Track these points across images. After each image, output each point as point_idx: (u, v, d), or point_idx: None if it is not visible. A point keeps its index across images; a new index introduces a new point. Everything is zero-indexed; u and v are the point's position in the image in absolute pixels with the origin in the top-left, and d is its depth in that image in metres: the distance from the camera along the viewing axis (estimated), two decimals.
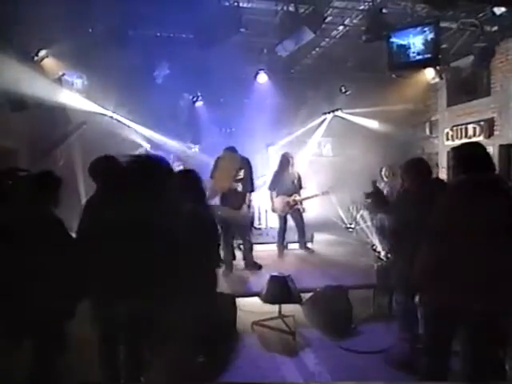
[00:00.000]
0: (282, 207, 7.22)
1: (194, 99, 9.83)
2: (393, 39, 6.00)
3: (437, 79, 7.87)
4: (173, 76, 8.10)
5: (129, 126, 9.27)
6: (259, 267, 6.34)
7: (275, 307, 4.80)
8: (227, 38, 6.23)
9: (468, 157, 2.74)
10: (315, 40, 8.26)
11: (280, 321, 4.74)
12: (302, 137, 9.77)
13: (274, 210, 7.41)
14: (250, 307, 5.11)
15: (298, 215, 7.32)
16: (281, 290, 4.68)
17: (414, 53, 5.84)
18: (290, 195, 7.20)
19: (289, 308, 4.88)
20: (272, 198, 7.25)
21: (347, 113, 9.57)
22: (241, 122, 8.72)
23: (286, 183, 7.16)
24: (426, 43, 5.73)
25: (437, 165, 9.11)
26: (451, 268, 2.54)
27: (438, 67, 7.56)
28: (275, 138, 9.44)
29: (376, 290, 5.20)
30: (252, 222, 8.01)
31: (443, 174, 8.88)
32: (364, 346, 4.20)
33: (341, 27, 7.65)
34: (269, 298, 4.74)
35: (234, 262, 6.43)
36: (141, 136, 9.53)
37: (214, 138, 9.21)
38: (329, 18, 7.41)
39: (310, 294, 5.03)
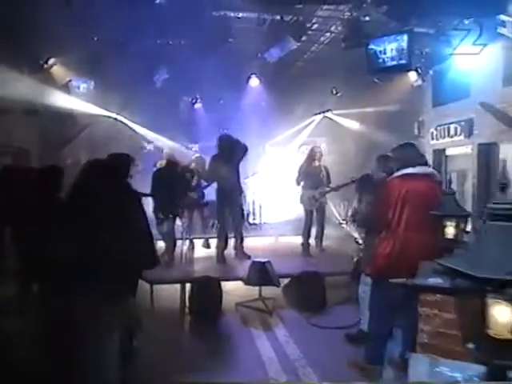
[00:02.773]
0: (309, 201, 7.21)
1: (193, 101, 10.49)
2: (371, 46, 6.54)
3: (419, 82, 8.36)
4: (172, 80, 8.75)
5: (131, 128, 9.94)
6: (248, 257, 6.92)
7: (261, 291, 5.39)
8: (218, 45, 6.86)
9: (405, 155, 3.27)
10: (305, 45, 8.89)
11: (261, 302, 5.35)
12: (293, 136, 10.32)
13: (302, 204, 7.37)
14: (237, 291, 5.70)
15: (322, 211, 7.31)
16: (260, 273, 5.28)
17: (389, 59, 6.38)
18: (317, 189, 7.13)
19: (270, 291, 5.49)
20: (300, 192, 7.28)
21: (338, 114, 10.10)
22: (236, 123, 9.30)
23: (313, 177, 7.16)
24: (400, 50, 6.27)
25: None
26: (395, 254, 3.04)
27: (419, 70, 8.05)
28: (269, 137, 10.01)
29: (351, 276, 5.77)
30: (244, 217, 8.53)
31: None
32: (331, 323, 4.77)
33: (328, 34, 8.23)
34: (250, 281, 5.35)
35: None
36: (143, 136, 10.19)
37: (211, 138, 9.85)
38: (315, 26, 8.02)
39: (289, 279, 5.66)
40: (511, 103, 6.96)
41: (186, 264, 6.56)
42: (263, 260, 5.41)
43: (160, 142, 9.91)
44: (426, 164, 3.33)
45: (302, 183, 7.26)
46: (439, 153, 9.49)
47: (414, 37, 6.53)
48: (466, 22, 6.17)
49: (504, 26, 5.76)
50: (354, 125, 10.02)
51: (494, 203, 0.97)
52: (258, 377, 3.62)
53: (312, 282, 5.48)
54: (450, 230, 2.58)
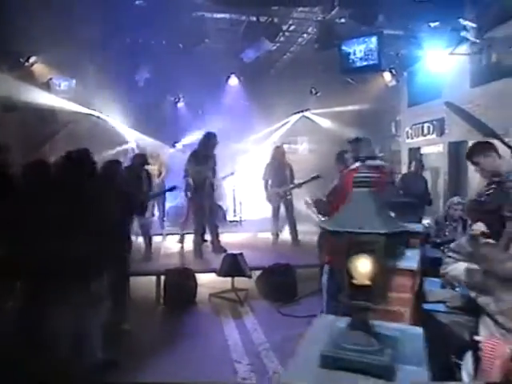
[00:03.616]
0: (274, 198, 7.56)
1: (176, 100, 10.64)
2: (342, 47, 6.77)
3: (394, 82, 8.64)
4: (153, 79, 8.90)
5: (114, 126, 10.05)
6: (224, 251, 7.11)
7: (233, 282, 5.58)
8: (197, 45, 7.03)
9: (358, 149, 3.50)
10: (284, 46, 9.11)
11: (233, 293, 5.53)
12: (273, 134, 10.53)
13: (268, 200, 7.73)
14: (213, 283, 5.88)
15: (290, 207, 7.56)
16: (232, 265, 5.48)
17: (359, 59, 6.62)
18: (282, 186, 7.46)
19: (245, 283, 5.68)
20: (266, 188, 7.62)
21: (317, 113, 10.34)
22: (217, 121, 9.47)
23: (278, 175, 7.51)
24: (369, 51, 6.51)
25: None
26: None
27: (393, 71, 8.33)
28: (249, 136, 10.20)
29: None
30: (221, 212, 8.71)
31: (405, 170, 9.67)
32: (299, 312, 4.97)
33: (305, 35, 8.45)
34: (222, 273, 5.54)
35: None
36: (126, 134, 10.31)
37: (193, 136, 10.02)
38: (292, 27, 8.24)
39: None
40: (477, 103, 7.27)
41: (163, 257, 6.74)
42: (235, 252, 5.60)
43: (142, 141, 10.03)
44: (375, 157, 3.53)
45: (269, 181, 7.57)
46: (414, 151, 9.80)
47: (384, 39, 6.79)
48: (432, 25, 6.44)
49: (467, 30, 6.03)
50: (332, 124, 10.26)
51: (356, 175, 1.18)
52: (220, 359, 3.81)
53: (283, 273, 5.69)
54: None
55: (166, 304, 5.38)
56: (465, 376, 2.28)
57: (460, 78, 7.80)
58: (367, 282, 1.15)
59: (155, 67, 8.62)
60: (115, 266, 3.88)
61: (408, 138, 9.69)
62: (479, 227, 2.56)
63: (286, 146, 10.00)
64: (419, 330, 1.42)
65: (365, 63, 6.55)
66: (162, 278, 5.52)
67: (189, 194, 6.93)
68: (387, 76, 8.56)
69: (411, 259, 2.70)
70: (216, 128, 9.17)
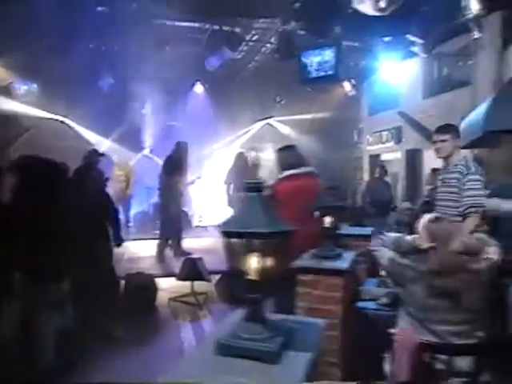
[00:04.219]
0: (236, 203, 7.50)
1: (142, 106, 10.63)
2: (302, 58, 7.01)
3: (353, 92, 8.96)
4: (118, 85, 8.90)
5: (77, 131, 9.97)
6: (188, 254, 7.19)
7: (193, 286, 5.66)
8: (160, 52, 7.12)
9: (286, 158, 3.61)
10: (248, 55, 9.30)
11: (192, 297, 5.61)
12: (238, 141, 10.71)
13: (229, 205, 7.78)
14: (174, 288, 5.93)
15: None
16: (191, 269, 5.56)
17: (317, 70, 6.86)
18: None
19: (205, 287, 5.77)
20: (227, 193, 7.69)
21: (281, 120, 10.59)
22: (182, 127, 9.56)
23: (241, 179, 7.44)
24: (327, 62, 6.77)
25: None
26: None
27: (352, 81, 8.66)
28: (214, 142, 10.33)
29: None
30: (185, 218, 8.78)
31: (366, 176, 10.03)
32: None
33: (268, 45, 8.67)
34: (181, 277, 5.61)
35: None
36: (90, 140, 10.22)
37: (158, 142, 10.07)
38: (256, 37, 8.44)
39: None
40: (429, 114, 7.65)
41: (126, 262, 6.76)
42: (194, 257, 5.69)
43: (107, 147, 9.98)
44: (305, 164, 3.61)
45: (231, 186, 7.69)
46: (375, 158, 10.17)
47: (342, 50, 7.07)
48: (386, 39, 6.77)
49: (415, 46, 6.37)
50: (295, 131, 10.53)
51: (247, 182, 1.32)
52: (175, 359, 3.88)
53: (242, 277, 5.80)
54: (327, 220, 2.96)
55: (125, 308, 5.41)
56: (387, 369, 2.46)
57: (414, 90, 8.19)
58: (259, 278, 1.29)
59: (119, 73, 8.63)
60: (94, 271, 3.93)
61: (369, 145, 10.06)
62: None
63: (251, 153, 10.25)
64: (319, 322, 1.57)
65: (323, 73, 6.80)
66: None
67: (159, 200, 7.11)
68: (347, 86, 8.87)
69: (344, 260, 2.88)
70: (181, 134, 9.31)
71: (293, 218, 3.33)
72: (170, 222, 6.94)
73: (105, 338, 4.16)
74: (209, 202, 10.01)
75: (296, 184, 3.42)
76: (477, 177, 3.15)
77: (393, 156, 9.33)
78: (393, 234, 2.86)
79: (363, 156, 10.47)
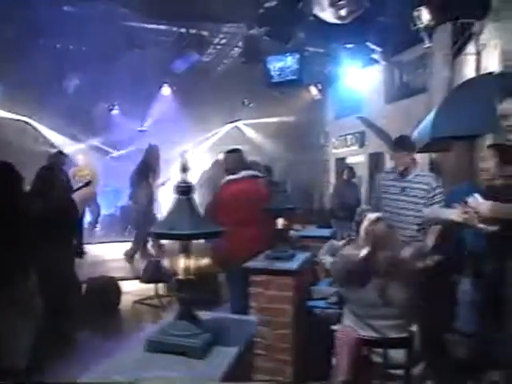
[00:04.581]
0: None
1: (110, 108, 10.50)
2: (267, 62, 7.13)
3: (319, 96, 9.17)
4: (84, 86, 8.77)
5: (42, 132, 9.75)
6: (152, 257, 7.18)
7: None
8: (128, 53, 7.08)
9: (231, 161, 3.66)
10: (217, 58, 9.36)
11: (156, 300, 5.60)
12: (206, 144, 10.74)
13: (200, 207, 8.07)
14: (141, 291, 5.90)
15: None
16: (153, 272, 5.54)
17: (282, 75, 7.01)
18: None
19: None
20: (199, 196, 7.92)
21: (249, 123, 10.70)
22: (151, 129, 9.51)
23: (213, 183, 7.79)
24: (291, 67, 6.92)
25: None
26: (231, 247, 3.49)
27: (318, 86, 8.86)
28: (182, 144, 10.30)
29: None
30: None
31: (332, 179, 10.26)
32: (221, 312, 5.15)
33: (236, 48, 8.75)
34: (145, 279, 5.60)
35: None
36: (55, 141, 10.01)
37: (127, 144, 9.98)
38: (223, 41, 8.51)
39: None
40: (391, 118, 7.91)
41: (90, 266, 6.67)
42: (158, 259, 5.69)
43: (73, 148, 9.81)
44: (249, 168, 3.67)
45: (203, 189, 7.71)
46: (340, 161, 10.40)
47: (306, 56, 7.25)
48: (348, 46, 6.98)
49: (375, 53, 6.61)
50: (261, 134, 10.66)
51: (175, 185, 1.39)
52: None
53: (206, 278, 5.85)
54: (280, 221, 3.05)
55: (87, 312, 5.35)
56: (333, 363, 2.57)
57: (377, 95, 8.45)
58: (190, 277, 1.35)
59: (86, 74, 8.51)
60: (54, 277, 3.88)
61: (334, 148, 10.28)
62: None
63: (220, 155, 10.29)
64: (252, 320, 1.64)
65: (286, 78, 6.95)
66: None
67: (131, 203, 7.08)
68: (313, 90, 9.07)
69: (295, 261, 2.98)
70: (149, 136, 9.26)
71: (238, 220, 3.45)
72: (143, 224, 6.92)
73: (64, 341, 4.12)
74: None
75: (240, 188, 3.48)
76: (442, 189, 3.28)
77: (357, 159, 9.56)
78: (334, 241, 3.01)
79: (330, 159, 10.70)
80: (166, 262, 1.37)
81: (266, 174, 4.45)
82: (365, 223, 2.43)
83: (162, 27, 7.74)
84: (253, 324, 1.62)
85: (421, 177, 3.37)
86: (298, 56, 7.02)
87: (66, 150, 10.06)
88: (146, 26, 7.62)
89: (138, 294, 5.87)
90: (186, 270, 1.33)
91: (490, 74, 3.69)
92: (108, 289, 5.50)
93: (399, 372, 2.19)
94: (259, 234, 3.17)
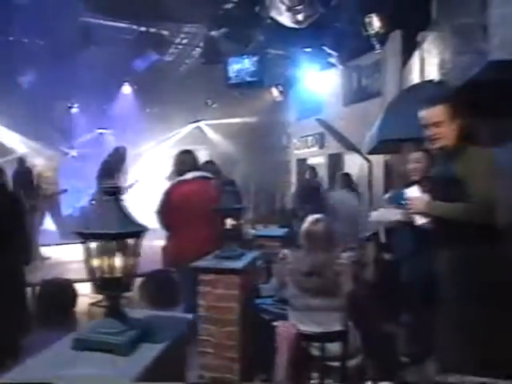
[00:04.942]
0: None
1: (70, 106, 10.24)
2: (228, 64, 7.18)
3: (280, 98, 9.31)
4: (41, 83, 8.48)
5: None
6: None
7: None
8: (81, 50, 6.93)
9: (181, 162, 3.68)
10: (179, 58, 9.31)
11: None
12: (168, 144, 10.67)
13: None
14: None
15: None
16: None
17: (242, 76, 7.07)
18: None
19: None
20: None
21: (212, 124, 10.71)
22: (112, 128, 9.35)
23: None
24: (248, 69, 7.01)
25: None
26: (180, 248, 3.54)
27: (279, 87, 9.00)
28: (144, 144, 10.21)
29: None
30: None
31: (294, 179, 10.43)
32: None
33: (197, 48, 8.73)
34: None
35: None
36: (11, 140, 9.65)
37: (87, 144, 9.75)
38: (185, 40, 8.48)
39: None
40: (348, 120, 8.15)
41: (47, 268, 6.52)
42: None
43: (29, 147, 9.49)
44: (200, 169, 3.72)
45: None
46: (302, 162, 10.60)
47: (267, 58, 7.35)
48: (307, 50, 7.13)
49: (332, 57, 6.80)
50: (224, 135, 10.71)
51: (103, 186, 1.42)
52: None
53: (164, 279, 5.83)
54: (229, 221, 3.11)
55: (41, 315, 5.21)
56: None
57: (335, 98, 8.69)
58: (118, 275, 1.38)
59: (43, 70, 8.24)
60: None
61: (296, 149, 10.47)
62: None
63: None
64: (188, 317, 1.69)
65: (245, 80, 7.02)
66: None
67: (95, 204, 6.96)
68: (275, 92, 9.19)
69: (243, 260, 3.04)
70: (109, 135, 9.13)
71: (187, 221, 3.48)
72: None
73: (11, 347, 4.01)
74: (139, 204, 9.84)
75: (189, 189, 3.51)
76: None
77: (317, 160, 9.77)
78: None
79: (291, 160, 10.88)
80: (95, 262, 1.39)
81: (219, 174, 4.49)
82: (305, 224, 2.55)
83: (122, 25, 7.63)
84: (185, 321, 1.66)
85: None
86: (256, 58, 7.09)
87: (21, 150, 9.76)
88: (104, 22, 7.49)
89: (94, 297, 5.77)
90: (112, 268, 1.36)
91: (431, 81, 3.90)
92: (63, 291, 5.39)
93: (337, 364, 2.29)
94: (208, 235, 3.22)
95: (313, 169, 8.13)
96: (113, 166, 6.83)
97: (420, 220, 2.34)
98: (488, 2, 2.45)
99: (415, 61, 4.66)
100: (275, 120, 10.67)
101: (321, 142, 9.38)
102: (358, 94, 8.25)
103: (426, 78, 4.15)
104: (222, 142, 10.86)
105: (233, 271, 2.89)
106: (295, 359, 2.28)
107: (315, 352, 2.31)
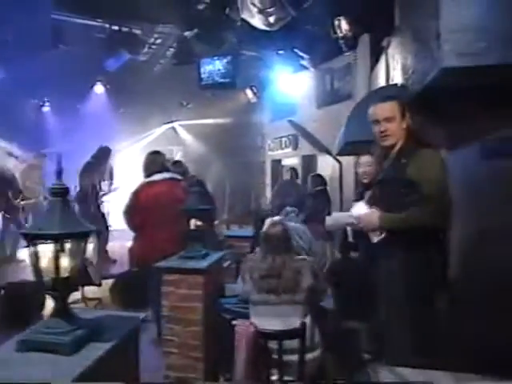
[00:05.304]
0: None
1: (41, 104, 10.00)
2: (200, 65, 7.17)
3: (255, 99, 9.37)
4: (9, 80, 8.26)
5: None
6: (114, 261, 7.02)
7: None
8: (49, 48, 6.79)
9: (149, 164, 3.73)
10: (153, 58, 9.22)
11: (83, 303, 5.44)
12: (144, 144, 10.55)
13: None
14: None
15: None
16: (80, 274, 5.38)
17: (214, 77, 7.08)
18: None
19: (100, 291, 5.63)
20: None
21: (186, 124, 10.66)
22: (85, 128, 9.16)
23: None
24: (220, 70, 7.03)
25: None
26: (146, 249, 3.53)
27: (253, 89, 9.05)
28: (118, 146, 10.06)
29: None
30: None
31: (268, 180, 10.51)
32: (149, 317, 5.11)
33: (171, 49, 8.68)
34: None
35: None
36: None
37: (60, 144, 9.52)
38: (159, 40, 8.42)
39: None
40: (322, 122, 8.27)
41: (15, 271, 6.39)
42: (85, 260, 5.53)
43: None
44: (167, 170, 3.76)
45: None
46: (277, 163, 10.68)
47: (240, 60, 7.38)
48: (280, 52, 7.21)
49: (304, 60, 6.89)
50: (201, 136, 10.69)
51: (50, 187, 1.42)
52: None
53: (135, 279, 5.78)
54: (193, 222, 3.13)
55: (7, 318, 5.08)
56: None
57: (308, 100, 8.80)
58: (64, 276, 1.39)
59: (12, 67, 8.03)
60: None
61: (270, 150, 10.54)
62: None
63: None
64: (137, 316, 1.69)
65: (219, 81, 7.03)
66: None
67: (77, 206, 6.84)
68: (249, 93, 9.25)
69: (207, 260, 3.07)
70: (82, 134, 8.94)
71: (153, 222, 3.49)
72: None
73: None
74: (113, 204, 9.72)
75: (155, 190, 3.54)
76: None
77: (291, 161, 9.87)
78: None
79: (266, 160, 10.95)
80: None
81: (187, 175, 4.50)
82: (264, 226, 2.61)
83: (94, 23, 7.51)
84: (136, 320, 1.67)
85: None
86: (227, 60, 7.10)
87: None
88: (76, 20, 7.36)
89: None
90: (58, 269, 1.36)
91: (395, 85, 4.00)
92: (29, 294, 5.28)
93: (295, 359, 2.33)
94: (174, 235, 3.24)
95: (294, 169, 8.19)
96: (95, 168, 6.75)
97: (376, 237, 2.20)
98: (440, 9, 2.52)
99: (381, 65, 4.78)
100: (250, 121, 10.72)
101: (294, 144, 9.47)
102: (330, 97, 8.37)
103: (391, 82, 4.25)
104: (197, 143, 10.84)
105: (196, 271, 2.91)
106: (254, 357, 2.32)
107: (274, 349, 2.35)
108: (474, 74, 2.65)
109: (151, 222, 3.45)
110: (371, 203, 2.33)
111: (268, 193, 10.46)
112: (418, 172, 2.08)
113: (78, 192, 6.85)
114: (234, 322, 2.53)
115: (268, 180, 10.61)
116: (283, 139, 9.85)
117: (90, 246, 7.11)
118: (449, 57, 2.66)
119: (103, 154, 6.93)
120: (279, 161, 10.54)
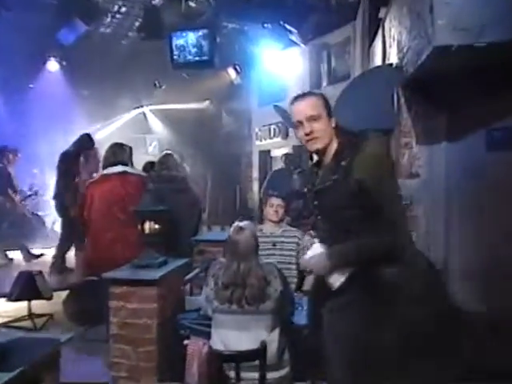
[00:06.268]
0: None
1: None
2: (173, 40, 7.06)
3: (239, 80, 9.31)
4: None
5: None
6: (37, 257, 6.99)
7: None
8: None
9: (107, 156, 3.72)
10: (119, 30, 9.11)
11: (29, 320, 5.35)
12: (104, 130, 10.44)
13: None
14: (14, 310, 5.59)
15: None
16: (27, 286, 5.32)
17: (191, 54, 6.97)
18: None
19: (50, 306, 5.56)
20: None
21: (157, 109, 10.57)
22: (39, 113, 9.02)
23: None
24: (201, 46, 6.90)
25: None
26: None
27: (237, 68, 9.00)
28: (75, 130, 9.93)
29: None
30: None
31: (256, 174, 10.49)
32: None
33: (140, 19, 8.56)
34: (14, 296, 5.34)
35: None
36: None
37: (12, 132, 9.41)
38: (123, 9, 8.32)
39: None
40: None
41: None
42: (31, 270, 5.48)
43: None
44: (123, 162, 3.71)
45: None
46: (265, 154, 10.64)
47: (219, 32, 7.27)
48: (266, 25, 7.15)
49: (293, 34, 6.87)
50: (176, 121, 10.62)
51: None
52: None
53: (93, 290, 5.73)
54: (147, 225, 3.09)
55: None
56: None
57: (302, 81, 8.76)
58: None
59: None
60: None
61: (257, 139, 10.49)
62: None
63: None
64: (57, 338, 1.68)
65: (196, 59, 6.92)
66: None
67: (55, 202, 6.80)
68: (232, 73, 9.18)
69: (163, 269, 3.05)
70: (34, 118, 8.82)
71: (102, 220, 3.46)
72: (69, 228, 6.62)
73: None
74: None
75: (105, 185, 3.54)
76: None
77: (281, 152, 9.83)
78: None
79: (253, 151, 10.89)
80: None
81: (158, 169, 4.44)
82: (230, 231, 2.63)
83: None
84: (54, 342, 1.65)
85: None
86: (202, 33, 6.82)
87: None
88: None
89: (6, 315, 5.58)
90: None
91: (391, 65, 3.99)
92: None
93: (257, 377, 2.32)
94: (123, 236, 3.22)
95: (289, 157, 8.03)
96: (71, 159, 6.58)
97: (336, 281, 2.01)
98: None
99: (378, 42, 4.77)
100: (234, 106, 10.66)
101: (284, 132, 9.43)
102: (326, 77, 8.36)
103: (388, 62, 4.25)
104: (172, 131, 10.76)
105: (148, 282, 2.89)
106: (206, 380, 2.33)
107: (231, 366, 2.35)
108: (472, 53, 2.65)
109: (97, 220, 3.45)
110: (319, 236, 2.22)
111: (255, 188, 10.44)
112: (364, 173, 1.95)
113: (57, 189, 6.77)
114: (185, 342, 2.52)
115: (256, 173, 10.57)
116: (272, 127, 9.80)
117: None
118: (442, 33, 2.66)
119: (82, 143, 6.64)
120: (268, 151, 10.50)
